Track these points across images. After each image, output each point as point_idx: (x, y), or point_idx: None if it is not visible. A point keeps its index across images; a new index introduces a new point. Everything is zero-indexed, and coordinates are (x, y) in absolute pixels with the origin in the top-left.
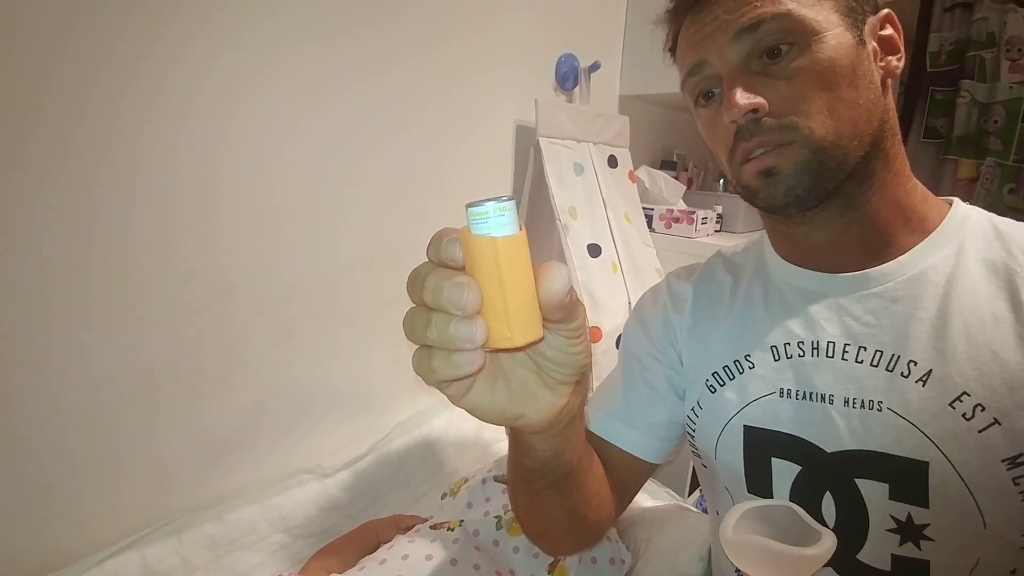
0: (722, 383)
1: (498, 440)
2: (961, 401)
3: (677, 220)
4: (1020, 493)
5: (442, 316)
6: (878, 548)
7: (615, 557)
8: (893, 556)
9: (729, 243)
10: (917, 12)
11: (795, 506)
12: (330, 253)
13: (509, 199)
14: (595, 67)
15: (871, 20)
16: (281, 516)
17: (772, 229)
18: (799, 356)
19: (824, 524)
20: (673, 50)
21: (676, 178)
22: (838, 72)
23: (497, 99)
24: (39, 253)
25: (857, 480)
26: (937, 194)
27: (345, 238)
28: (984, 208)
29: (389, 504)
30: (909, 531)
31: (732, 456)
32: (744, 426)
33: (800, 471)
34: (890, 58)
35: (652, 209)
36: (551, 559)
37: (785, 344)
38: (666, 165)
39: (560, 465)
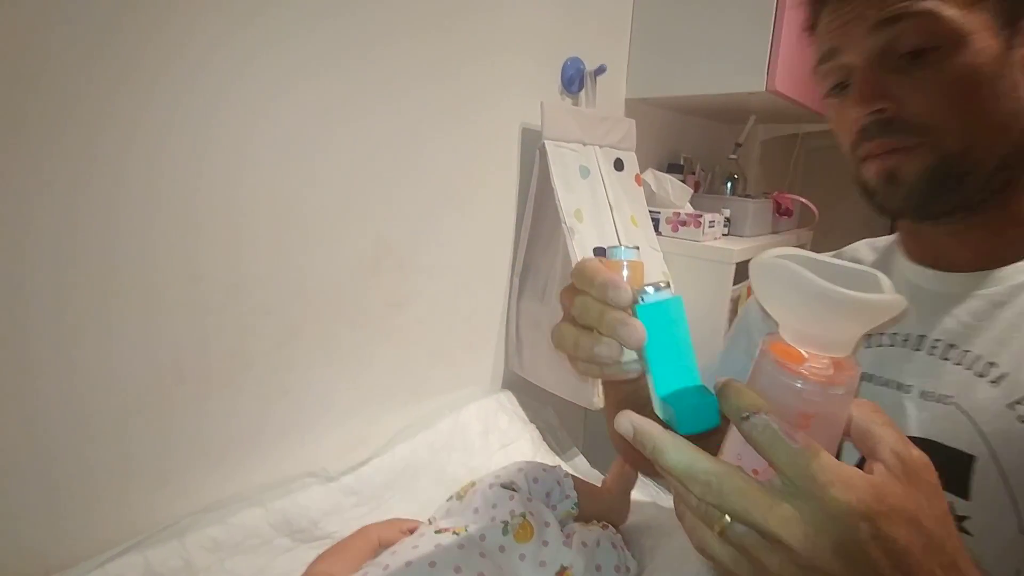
0: None
1: (504, 445)
2: (1021, 403)
3: (684, 223)
4: None
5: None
6: None
7: (620, 564)
8: None
9: (737, 247)
10: None
11: (877, 273)
12: (335, 256)
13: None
14: (601, 70)
15: None
16: (285, 519)
17: (899, 225)
18: (888, 345)
19: None
20: (812, 31)
21: (683, 181)
22: (978, 82)
23: (503, 102)
24: (55, 256)
25: None
26: None
27: (350, 241)
28: None
29: (393, 508)
30: None
31: None
32: None
33: None
34: None
35: (659, 212)
36: (557, 566)
37: (879, 333)
38: (673, 168)
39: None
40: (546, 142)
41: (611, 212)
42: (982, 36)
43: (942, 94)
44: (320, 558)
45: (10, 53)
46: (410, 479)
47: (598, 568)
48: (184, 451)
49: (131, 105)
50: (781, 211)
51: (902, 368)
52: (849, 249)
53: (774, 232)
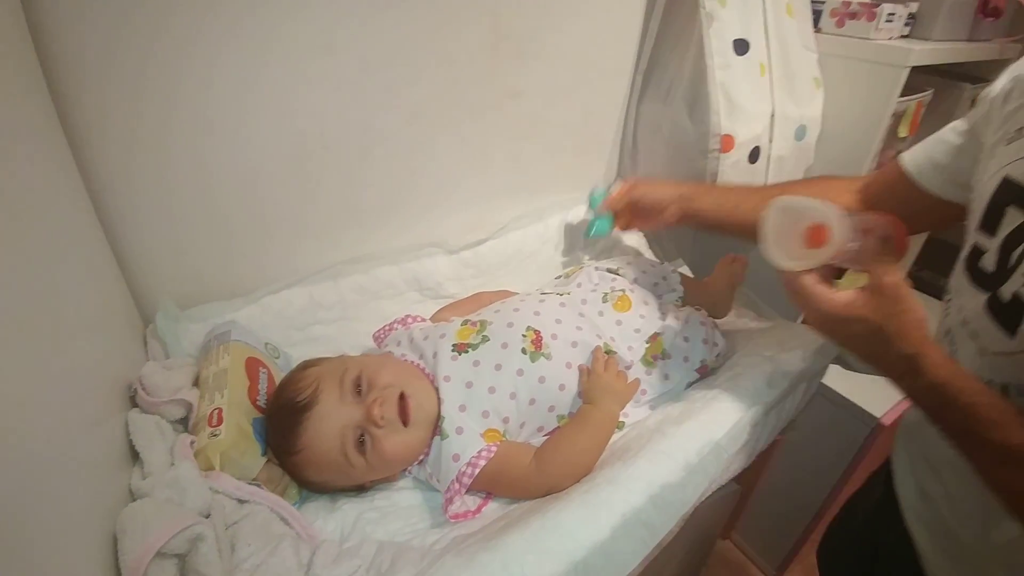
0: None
1: (609, 248)
2: None
3: (853, 16)
4: None
5: None
6: None
7: (708, 339)
8: None
9: (916, 48)
10: None
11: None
12: (453, 39)
13: None
14: None
15: None
16: (415, 278)
17: None
18: None
19: None
20: None
21: None
22: None
23: None
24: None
25: None
26: None
27: (466, 22)
28: None
29: (503, 283)
30: None
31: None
32: (1004, 177)
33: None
34: None
35: (823, 3)
36: (650, 332)
37: None
38: None
39: None
40: None
41: None
42: None
43: None
44: (443, 308)
45: None
46: (520, 262)
47: (686, 339)
48: (335, 210)
49: None
50: (986, 11)
51: None
52: None
53: (970, 39)
